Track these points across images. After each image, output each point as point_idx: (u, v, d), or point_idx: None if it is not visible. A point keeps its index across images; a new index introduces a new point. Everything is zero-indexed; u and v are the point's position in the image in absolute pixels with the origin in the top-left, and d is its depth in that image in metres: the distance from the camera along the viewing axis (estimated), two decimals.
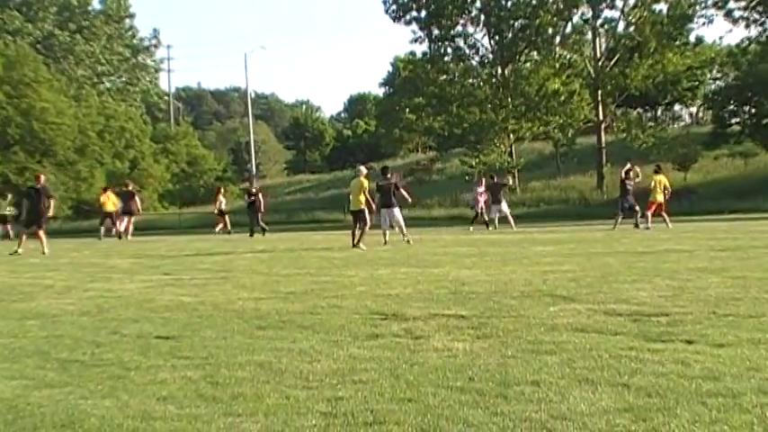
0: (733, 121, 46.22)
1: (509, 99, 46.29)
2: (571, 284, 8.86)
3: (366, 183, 18.64)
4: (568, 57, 46.29)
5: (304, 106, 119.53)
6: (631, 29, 44.22)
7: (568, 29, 45.78)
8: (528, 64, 48.66)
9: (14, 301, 9.74)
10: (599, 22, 44.96)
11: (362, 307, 7.83)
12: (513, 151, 47.46)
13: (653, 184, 23.51)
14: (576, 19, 45.44)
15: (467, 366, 5.02)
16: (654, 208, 23.07)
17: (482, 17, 47.20)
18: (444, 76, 48.57)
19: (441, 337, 6.07)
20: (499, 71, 47.83)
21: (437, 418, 3.93)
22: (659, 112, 60.50)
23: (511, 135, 46.81)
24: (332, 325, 6.84)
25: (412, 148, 70.30)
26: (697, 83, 53.65)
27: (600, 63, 44.83)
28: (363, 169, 19.50)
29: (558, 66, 45.80)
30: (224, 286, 10.41)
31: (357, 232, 18.12)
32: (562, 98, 44.86)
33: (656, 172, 24.06)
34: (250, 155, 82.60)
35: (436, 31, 48.13)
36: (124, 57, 75.66)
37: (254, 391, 4.63)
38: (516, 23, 46.46)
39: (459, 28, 48.02)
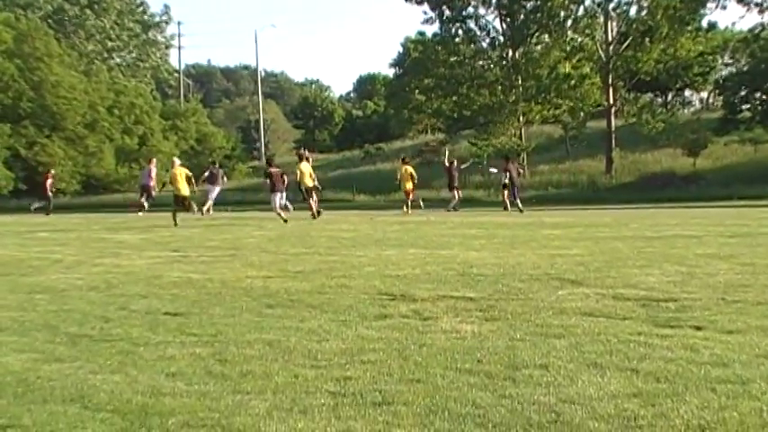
0: (744, 107, 45.89)
1: (519, 81, 46.07)
2: (579, 268, 8.84)
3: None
4: (580, 40, 45.97)
5: (314, 85, 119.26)
6: (643, 13, 43.81)
7: (580, 12, 45.42)
8: (539, 47, 48.32)
9: (23, 275, 9.79)
10: (611, 5, 44.56)
11: (371, 287, 7.84)
12: (523, 134, 47.28)
13: (401, 174, 26.74)
14: (587, 2, 45.04)
15: (475, 348, 5.03)
16: (407, 194, 26.50)
17: None
18: (455, 58, 48.29)
19: (449, 319, 6.08)
20: (510, 53, 47.49)
21: (445, 400, 3.94)
22: (670, 98, 60.00)
23: (521, 118, 46.58)
24: (340, 305, 6.86)
25: (421, 129, 69.98)
26: (708, 68, 53.12)
27: (611, 47, 44.52)
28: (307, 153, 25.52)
29: (569, 49, 45.50)
30: (232, 264, 10.44)
31: (313, 204, 22.54)
32: (573, 81, 44.61)
33: (404, 162, 27.82)
34: (259, 133, 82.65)
35: (447, 12, 47.80)
36: (135, 32, 75.30)
37: (263, 369, 4.65)
38: (528, 6, 46.13)
39: (471, 9, 47.66)
